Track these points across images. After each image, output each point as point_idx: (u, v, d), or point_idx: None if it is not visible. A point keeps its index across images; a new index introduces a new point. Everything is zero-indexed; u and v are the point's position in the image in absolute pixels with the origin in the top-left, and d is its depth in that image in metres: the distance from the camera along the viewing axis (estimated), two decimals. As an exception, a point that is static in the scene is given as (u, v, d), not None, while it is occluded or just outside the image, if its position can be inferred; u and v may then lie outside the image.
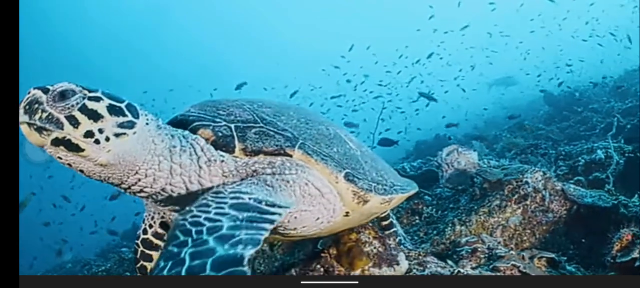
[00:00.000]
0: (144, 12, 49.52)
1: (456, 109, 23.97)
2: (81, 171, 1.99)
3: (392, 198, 2.73)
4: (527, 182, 3.83)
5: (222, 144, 2.24)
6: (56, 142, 1.84)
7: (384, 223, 3.68)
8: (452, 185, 4.51)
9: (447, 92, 24.03)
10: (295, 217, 2.40)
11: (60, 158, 1.92)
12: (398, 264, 2.72)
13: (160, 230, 2.86)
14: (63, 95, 1.85)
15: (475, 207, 3.91)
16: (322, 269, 2.73)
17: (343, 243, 2.76)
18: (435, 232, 4.00)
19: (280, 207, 1.95)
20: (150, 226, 2.85)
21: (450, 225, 3.87)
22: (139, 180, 2.11)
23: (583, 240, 3.56)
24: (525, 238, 3.70)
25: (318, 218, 2.50)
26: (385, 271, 2.67)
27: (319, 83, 29.28)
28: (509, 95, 25.60)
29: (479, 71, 29.16)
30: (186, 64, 50.37)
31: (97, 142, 1.89)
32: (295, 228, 2.49)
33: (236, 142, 2.27)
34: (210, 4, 53.75)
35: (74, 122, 1.84)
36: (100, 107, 1.91)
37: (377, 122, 12.32)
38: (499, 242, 3.47)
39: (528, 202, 3.78)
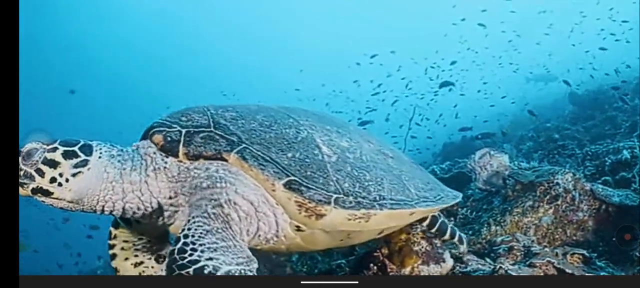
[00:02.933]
0: (165, 21, 50.05)
1: (480, 109, 23.97)
2: (61, 208, 2.36)
3: (369, 214, 2.45)
4: (558, 183, 4.07)
5: (169, 149, 2.40)
6: (34, 191, 2.23)
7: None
8: (485, 187, 4.75)
9: (463, 95, 24.08)
10: (249, 233, 2.41)
11: (43, 201, 2.31)
12: (444, 262, 3.00)
13: None
14: (29, 154, 2.23)
15: (509, 208, 4.15)
16: (375, 268, 3.01)
17: (394, 243, 3.04)
18: (471, 232, 4.25)
19: None
20: None
21: (485, 225, 4.12)
22: (103, 206, 2.40)
23: (612, 238, 3.77)
24: (557, 236, 3.94)
25: (260, 235, 2.46)
26: (433, 268, 2.95)
27: (344, 87, 29.54)
28: (533, 94, 25.54)
29: (502, 71, 29.11)
30: (209, 72, 50.86)
31: (59, 185, 2.25)
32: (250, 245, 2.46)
33: (180, 146, 2.38)
34: (224, 11, 54.03)
35: (41, 173, 2.22)
36: (57, 156, 2.26)
37: (409, 125, 12.56)
38: (533, 241, 3.72)
39: (559, 202, 4.01)
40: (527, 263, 3.14)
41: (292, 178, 2.33)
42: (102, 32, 47.50)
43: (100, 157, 2.36)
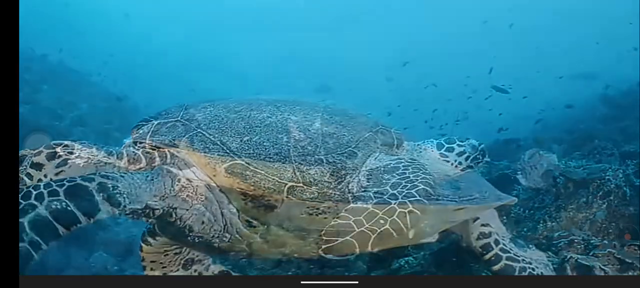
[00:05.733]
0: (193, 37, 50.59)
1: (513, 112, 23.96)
2: None
3: (339, 209, 2.08)
4: (609, 180, 4.28)
5: (139, 140, 2.53)
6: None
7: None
8: (535, 185, 4.95)
9: (489, 95, 24.05)
10: (186, 217, 2.43)
11: None
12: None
13: None
14: (21, 161, 2.45)
15: (563, 205, 4.36)
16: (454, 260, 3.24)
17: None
18: (525, 229, 4.46)
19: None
20: None
21: (541, 221, 4.33)
22: None
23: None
24: (611, 230, 4.13)
25: (204, 223, 2.42)
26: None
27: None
28: (565, 95, 25.41)
29: (534, 73, 29.08)
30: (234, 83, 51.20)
31: None
32: (200, 234, 2.48)
33: (147, 137, 2.47)
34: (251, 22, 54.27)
35: (30, 177, 2.45)
36: (41, 159, 2.47)
37: (454, 127, 12.84)
38: (588, 234, 3.94)
39: (611, 198, 4.21)
40: (591, 254, 3.36)
41: (238, 162, 2.16)
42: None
43: (79, 155, 2.58)
